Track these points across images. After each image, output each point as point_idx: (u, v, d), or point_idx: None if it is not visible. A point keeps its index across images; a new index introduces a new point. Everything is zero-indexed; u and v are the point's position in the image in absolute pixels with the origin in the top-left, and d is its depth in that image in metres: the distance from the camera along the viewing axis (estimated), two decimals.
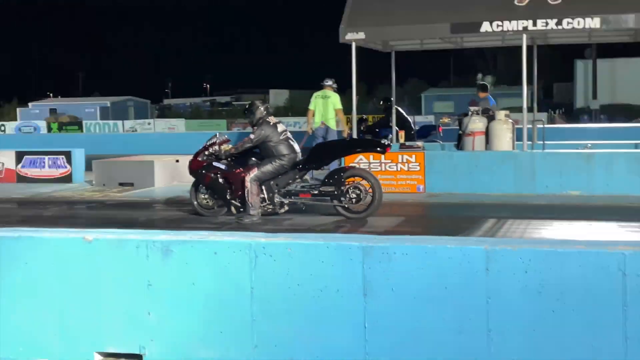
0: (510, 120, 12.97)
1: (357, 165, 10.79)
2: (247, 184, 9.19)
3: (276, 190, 9.52)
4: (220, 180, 9.69)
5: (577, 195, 11.16)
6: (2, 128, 45.23)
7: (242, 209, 9.53)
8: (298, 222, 9.42)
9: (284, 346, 4.04)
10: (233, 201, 9.62)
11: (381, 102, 17.60)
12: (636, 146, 14.81)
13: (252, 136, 9.48)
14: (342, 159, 11.56)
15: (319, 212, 9.79)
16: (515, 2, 11.86)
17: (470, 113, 13.13)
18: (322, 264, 3.96)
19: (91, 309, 4.36)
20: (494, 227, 8.93)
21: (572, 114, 46.28)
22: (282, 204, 9.60)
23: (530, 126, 14.22)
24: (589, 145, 14.07)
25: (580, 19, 11.45)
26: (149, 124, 46.36)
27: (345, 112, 14.49)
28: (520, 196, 11.20)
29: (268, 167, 9.32)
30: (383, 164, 12.09)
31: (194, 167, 10.00)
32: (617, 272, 3.58)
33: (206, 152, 9.86)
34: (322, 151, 9.96)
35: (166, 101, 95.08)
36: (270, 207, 9.54)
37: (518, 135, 13.17)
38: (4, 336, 4.52)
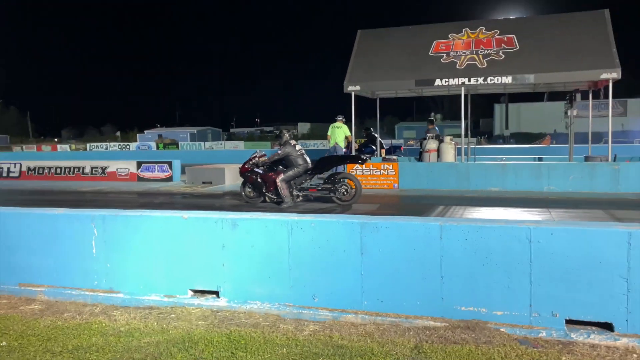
0: (453, 142, 12.91)
1: (346, 171, 10.86)
2: (279, 183, 9.40)
3: (294, 187, 9.69)
4: (259, 180, 9.85)
5: (496, 191, 11.09)
6: (128, 147, 45.48)
7: (274, 199, 9.68)
8: (309, 207, 9.52)
9: (310, 286, 4.06)
10: (267, 194, 9.80)
11: (364, 130, 17.84)
12: (534, 160, 14.70)
13: (279, 152, 9.63)
14: (345, 166, 11.72)
15: (321, 201, 9.92)
16: (457, 67, 11.83)
17: (427, 138, 13.10)
18: (334, 234, 3.98)
19: (186, 261, 4.41)
20: (443, 210, 8.88)
21: (492, 139, 45.87)
22: (298, 196, 9.72)
23: (466, 146, 14.14)
24: (504, 158, 14.02)
25: (499, 77, 11.41)
26: (221, 144, 46.44)
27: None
28: (459, 191, 11.14)
29: (290, 173, 9.50)
30: (371, 170, 12.08)
31: (242, 171, 10.17)
32: (525, 239, 3.57)
33: (250, 162, 10.03)
34: (324, 162, 9.92)
35: (232, 130, 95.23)
36: (291, 197, 9.75)
37: (458, 152, 13.11)
38: (131, 278, 4.58)
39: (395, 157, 13.61)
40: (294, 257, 4.08)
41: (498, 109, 53.80)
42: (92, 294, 4.58)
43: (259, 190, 10.04)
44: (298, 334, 3.66)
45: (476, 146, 18.46)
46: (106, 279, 4.65)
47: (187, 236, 4.38)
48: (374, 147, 17.12)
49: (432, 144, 12.84)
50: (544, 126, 46.12)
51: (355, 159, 10.20)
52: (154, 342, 3.54)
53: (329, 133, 14.08)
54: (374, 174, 12.07)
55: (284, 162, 9.70)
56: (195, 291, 4.44)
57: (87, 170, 16.18)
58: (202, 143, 46.32)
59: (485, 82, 11.56)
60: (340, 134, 13.84)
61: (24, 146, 54.90)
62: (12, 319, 4.08)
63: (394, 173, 12.01)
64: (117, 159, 12.27)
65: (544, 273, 3.54)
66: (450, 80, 11.73)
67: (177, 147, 44.89)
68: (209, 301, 4.29)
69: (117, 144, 50.75)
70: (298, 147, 9.73)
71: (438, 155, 12.76)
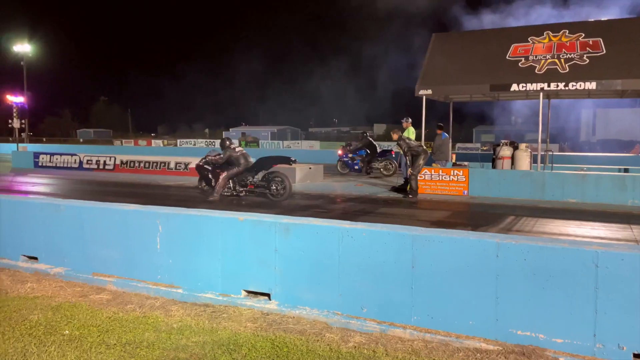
0: (529, 149, 12.12)
1: (279, 170, 11.07)
2: (220, 179, 10.43)
3: (237, 183, 10.59)
4: (209, 175, 10.70)
5: (574, 202, 10.25)
6: (213, 144, 47.27)
7: (207, 190, 10.78)
8: (250, 201, 10.59)
9: (359, 296, 3.91)
10: (215, 187, 10.61)
11: (360, 134, 17.46)
12: (619, 170, 13.48)
13: (222, 156, 10.48)
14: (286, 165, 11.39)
15: (259, 197, 10.63)
16: (536, 71, 11.08)
17: (500, 144, 12.41)
18: (385, 245, 3.79)
19: (241, 261, 4.40)
20: (513, 221, 8.34)
21: (578, 146, 42.75)
22: (241, 191, 10.62)
23: (543, 153, 13.24)
24: (585, 168, 12.96)
25: (582, 83, 10.53)
26: (298, 143, 47.08)
27: (417, 139, 14.05)
28: (533, 201, 10.43)
29: (233, 170, 10.44)
30: (440, 175, 11.62)
31: (196, 167, 11.08)
32: (591, 264, 3.19)
33: (204, 159, 10.80)
34: (262, 161, 10.60)
35: (310, 129, 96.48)
36: (234, 192, 10.64)
37: (534, 159, 12.31)
38: (190, 274, 4.65)
39: (466, 163, 13.02)
40: (344, 265, 3.93)
41: (584, 114, 50.24)
42: (155, 287, 4.70)
43: (208, 184, 10.89)
44: (342, 345, 3.51)
45: (556, 153, 17.23)
46: (168, 274, 4.76)
47: (242, 237, 4.37)
48: (368, 152, 16.63)
49: (505, 151, 12.13)
50: (635, 134, 42.42)
51: (286, 160, 10.65)
52: (201, 342, 3.54)
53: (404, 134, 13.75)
54: (443, 180, 11.60)
55: (230, 162, 10.61)
56: (249, 292, 4.43)
57: (172, 165, 16.95)
58: (280, 142, 47.20)
59: (567, 88, 10.73)
60: (405, 135, 13.45)
61: (123, 140, 58.85)
62: (80, 307, 4.27)
63: (464, 179, 11.48)
64: (200, 156, 12.71)
65: (612, 301, 3.14)
66: (528, 85, 11.02)
67: (258, 145, 46.09)
68: (260, 303, 4.25)
69: (204, 140, 52.97)
70: (238, 149, 10.71)
71: (512, 163, 12.04)
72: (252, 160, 10.80)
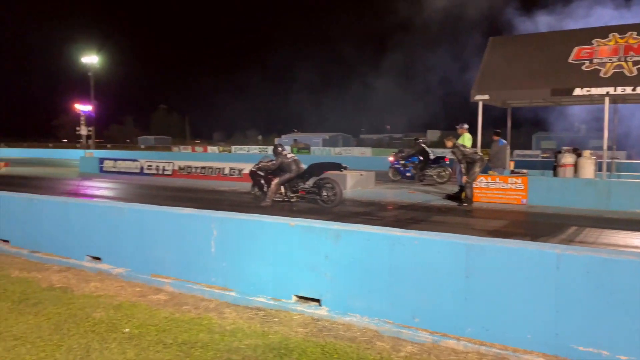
0: (593, 157, 11.55)
1: (330, 176, 11.00)
2: (272, 185, 10.59)
3: (288, 189, 10.71)
4: (262, 181, 10.92)
5: None
6: (266, 150, 48.11)
7: (259, 196, 10.98)
8: (299, 206, 10.70)
9: (410, 305, 3.85)
10: (267, 193, 10.79)
11: (413, 141, 17.20)
12: None
13: (274, 162, 10.70)
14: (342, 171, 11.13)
15: (310, 203, 10.65)
16: (601, 75, 10.56)
17: (562, 151, 11.89)
18: (437, 254, 3.72)
19: (292, 266, 4.44)
20: (575, 232, 7.96)
21: None
22: (292, 197, 10.71)
23: (609, 161, 12.58)
24: None
25: None
26: (349, 150, 47.09)
27: (473, 146, 13.72)
28: (597, 211, 9.92)
29: (284, 177, 10.56)
30: (497, 183, 11.27)
31: (250, 173, 11.32)
32: None
33: (257, 165, 11.04)
34: (312, 168, 10.69)
35: (362, 136, 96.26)
36: (286, 198, 10.76)
37: (599, 167, 11.71)
38: (243, 278, 4.74)
39: (525, 171, 12.56)
40: (395, 273, 3.89)
41: None
42: (209, 290, 4.82)
43: (261, 190, 11.06)
44: (393, 354, 3.47)
45: (623, 161, 16.33)
46: (222, 276, 4.88)
47: (293, 243, 4.41)
48: (420, 158, 16.17)
49: (568, 158, 11.62)
50: None
51: (337, 167, 10.76)
52: (252, 345, 3.60)
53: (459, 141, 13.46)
54: (500, 188, 11.25)
55: (281, 169, 10.76)
56: (299, 297, 4.46)
57: (227, 171, 17.40)
58: (331, 148, 47.40)
59: (635, 92, 10.16)
60: (460, 142, 13.14)
61: (181, 147, 60.98)
62: (139, 307, 4.45)
63: (523, 188, 11.08)
64: (253, 162, 12.99)
65: None
66: (593, 89, 10.51)
67: (309, 151, 46.47)
68: (311, 308, 4.28)
69: (258, 147, 54.01)
70: (290, 155, 10.84)
71: (575, 171, 11.51)
72: (304, 166, 10.90)
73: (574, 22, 15.79)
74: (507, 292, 3.49)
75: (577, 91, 10.68)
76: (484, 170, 11.28)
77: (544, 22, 17.78)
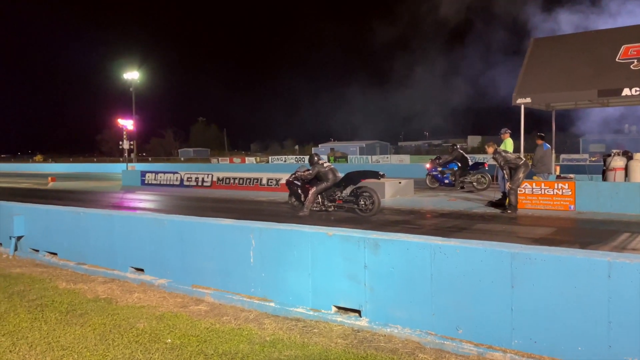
0: None
1: (368, 185, 11.02)
2: (309, 195, 10.66)
3: (326, 198, 10.77)
4: (299, 191, 11.02)
5: None
6: (303, 160, 48.46)
7: (297, 206, 11.08)
8: (337, 215, 10.78)
9: (453, 316, 3.77)
10: (304, 203, 10.85)
11: (450, 147, 16.88)
12: None
13: (310, 171, 10.80)
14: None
15: (348, 212, 10.73)
16: None
17: (612, 154, 11.42)
18: (481, 263, 3.63)
19: (330, 277, 4.43)
20: (627, 239, 7.62)
21: None
22: (329, 206, 10.77)
23: None
24: None
25: None
26: (387, 158, 46.76)
27: (516, 150, 13.36)
28: None
29: (322, 186, 10.63)
30: (542, 189, 10.93)
31: (286, 183, 11.47)
32: None
33: (294, 175, 11.16)
34: (349, 177, 10.62)
35: (400, 143, 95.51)
36: (323, 207, 10.83)
37: None
38: (282, 289, 4.76)
39: (572, 176, 12.14)
40: (437, 283, 3.82)
41: None
42: (249, 301, 4.87)
43: (298, 200, 11.14)
44: None
45: None
46: (261, 287, 4.92)
47: (331, 253, 4.40)
48: (459, 165, 15.73)
49: (618, 161, 11.17)
50: None
51: (374, 175, 10.61)
52: (292, 356, 3.60)
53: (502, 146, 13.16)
54: (546, 194, 10.90)
55: (318, 178, 10.83)
56: (339, 308, 4.44)
57: (264, 181, 17.58)
58: (369, 156, 47.20)
59: None
60: (502, 148, 12.83)
61: (219, 158, 62.22)
62: (181, 317, 4.54)
63: (570, 193, 10.71)
64: (290, 172, 13.12)
65: None
66: None
67: (346, 160, 46.46)
68: (350, 319, 4.25)
69: (294, 156, 54.41)
70: (326, 164, 10.93)
71: (625, 174, 11.04)
72: (340, 175, 10.90)
73: (612, 19, 15.26)
74: (556, 303, 3.37)
75: (626, 91, 10.28)
76: (528, 176, 10.97)
77: (582, 20, 17.25)
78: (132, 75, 44.94)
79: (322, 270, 4.46)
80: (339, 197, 10.76)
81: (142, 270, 6.05)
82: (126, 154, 32.21)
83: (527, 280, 3.47)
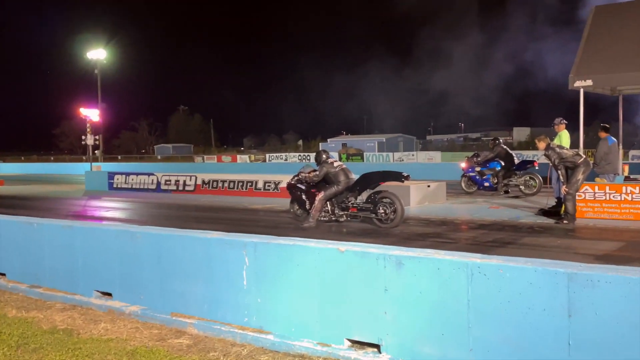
0: None
1: (388, 189, 10.90)
2: (316, 201, 10.65)
3: (336, 206, 10.81)
4: (303, 196, 11.07)
5: None
6: (308, 157, 48.59)
7: (309, 216, 10.91)
8: (350, 227, 10.90)
9: (496, 351, 3.74)
10: (310, 211, 10.86)
11: (491, 142, 16.94)
12: None
13: (317, 172, 10.86)
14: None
15: (364, 222, 10.88)
16: None
17: None
18: (530, 285, 3.61)
19: (342, 303, 4.43)
20: None
21: None
22: (341, 215, 10.84)
23: None
24: None
25: None
26: (412, 155, 46.75)
27: (574, 145, 13.29)
28: None
29: (331, 190, 10.68)
30: (607, 194, 10.87)
31: (288, 187, 11.61)
32: None
33: (297, 177, 11.31)
34: (365, 179, 10.67)
35: (428, 137, 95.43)
36: (333, 217, 10.87)
37: None
38: (282, 318, 4.76)
39: None
40: (475, 311, 3.80)
41: None
42: (241, 332, 4.87)
43: (302, 208, 11.24)
44: None
45: None
46: (257, 316, 4.92)
47: (343, 273, 4.40)
48: (502, 164, 15.68)
49: None
50: None
51: (397, 176, 10.57)
52: None
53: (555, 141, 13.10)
54: (612, 200, 10.84)
55: (326, 180, 10.90)
56: (353, 342, 4.43)
57: (260, 185, 17.65)
58: (390, 154, 47.17)
59: None
60: (556, 142, 12.76)
61: (205, 156, 62.51)
62: (157, 353, 4.55)
63: None
64: (292, 173, 13.09)
65: None
66: None
67: (362, 158, 46.48)
68: (368, 356, 4.24)
69: (297, 154, 54.52)
70: (337, 163, 11.01)
71: None
72: (355, 176, 10.89)
73: None
74: (625, 335, 3.34)
75: None
76: (590, 177, 10.90)
77: None
78: (98, 54, 45.34)
79: (331, 294, 4.46)
80: (352, 204, 10.74)
81: (109, 294, 6.07)
82: (90, 152, 32.42)
83: (588, 308, 3.44)
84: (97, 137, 33.63)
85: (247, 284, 4.96)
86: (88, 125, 30.49)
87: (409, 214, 12.15)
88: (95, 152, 39.33)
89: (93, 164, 30.38)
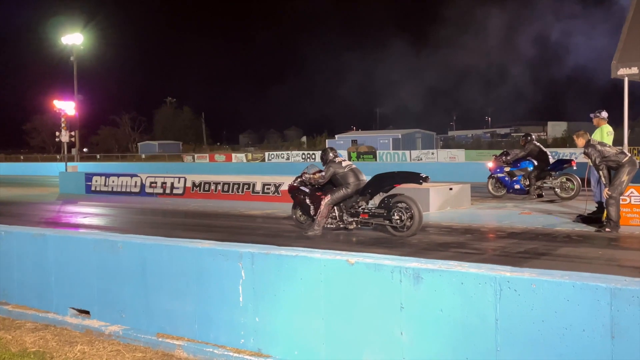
0: None
1: (404, 193, 10.86)
2: (322, 206, 10.65)
3: (345, 211, 10.85)
4: (307, 201, 11.07)
5: None
6: (313, 156, 48.65)
7: (314, 223, 10.90)
8: (361, 235, 11.00)
9: None
10: (315, 217, 10.87)
11: (522, 138, 17.06)
12: None
13: (323, 173, 10.89)
14: None
15: (376, 230, 10.97)
16: None
17: None
18: (567, 303, 3.60)
19: (351, 321, 4.43)
20: None
21: None
22: (350, 222, 10.87)
23: None
24: None
25: None
26: (432, 153, 46.72)
27: (618, 142, 13.24)
28: None
29: (339, 193, 10.70)
30: None
31: (290, 189, 11.67)
32: None
33: (300, 178, 11.33)
34: (378, 181, 10.70)
35: (450, 133, 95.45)
36: (341, 224, 10.90)
37: None
38: (283, 339, 4.77)
39: None
40: (504, 331, 3.79)
41: None
42: (236, 356, 4.88)
43: (306, 214, 11.27)
44: None
45: None
46: (254, 337, 4.92)
47: (353, 288, 4.40)
48: (535, 163, 15.63)
49: None
50: None
51: (414, 178, 10.55)
52: None
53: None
54: None
55: (333, 181, 10.95)
56: None
57: (259, 187, 17.65)
58: (406, 152, 47.16)
59: None
60: (596, 139, 12.69)
61: (195, 155, 62.66)
62: None
63: None
64: (295, 173, 13.07)
65: None
66: None
67: (375, 157, 46.48)
68: None
69: (301, 152, 54.57)
70: (346, 163, 11.05)
71: None
72: (366, 178, 10.88)
73: None
74: None
75: None
76: (636, 179, 10.87)
77: None
78: (74, 39, 45.49)
79: (340, 312, 4.46)
80: (363, 209, 10.74)
81: (87, 312, 6.08)
82: (65, 150, 32.54)
83: (635, 328, 3.43)
84: (72, 133, 33.71)
85: (244, 300, 4.96)
86: (63, 119, 30.58)
87: (428, 221, 12.14)
88: (71, 150, 39.48)
89: (68, 164, 30.48)
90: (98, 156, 76.73)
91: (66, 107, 30.80)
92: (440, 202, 14.20)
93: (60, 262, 6.31)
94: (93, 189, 21.86)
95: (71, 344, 5.49)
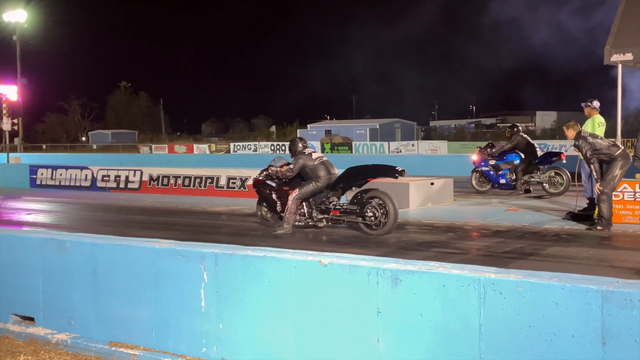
0: None
1: (378, 188, 10.95)
2: (289, 202, 10.66)
3: (314, 207, 10.85)
4: (273, 196, 11.17)
5: None
6: (283, 148, 48.46)
7: (282, 220, 10.96)
8: (333, 233, 11.01)
9: None
10: (282, 214, 10.94)
11: (508, 128, 17.25)
12: None
13: (291, 166, 10.93)
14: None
15: (349, 228, 11.04)
16: None
17: None
18: (556, 306, 3.65)
19: (324, 328, 4.44)
20: None
21: None
22: (320, 219, 10.88)
23: None
24: None
25: None
26: (412, 145, 46.84)
27: (611, 134, 13.44)
28: None
29: (308, 187, 10.69)
30: (638, 193, 11.01)
31: (254, 183, 11.75)
32: None
33: (266, 172, 11.38)
34: (349, 174, 10.68)
35: (432, 123, 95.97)
36: (310, 221, 10.93)
37: None
38: (249, 347, 4.77)
39: None
40: (488, 337, 3.83)
41: None
42: None
43: (273, 210, 11.38)
44: None
45: None
46: (218, 345, 4.92)
47: (326, 291, 4.42)
48: (521, 156, 15.87)
49: None
50: None
51: (390, 172, 10.55)
52: None
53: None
54: None
55: (301, 175, 10.98)
56: None
57: (223, 181, 17.61)
58: (384, 144, 47.27)
59: None
60: (587, 130, 12.86)
61: (153, 146, 62.02)
62: None
63: None
64: (262, 166, 13.03)
65: None
66: None
67: (351, 149, 46.55)
68: None
69: (270, 143, 54.42)
70: (316, 155, 11.10)
71: None
72: (337, 172, 10.88)
73: None
74: None
75: None
76: (629, 173, 11.03)
77: None
78: (17, 15, 44.78)
79: (311, 318, 4.48)
80: (334, 205, 10.77)
81: (31, 319, 6.01)
82: (7, 139, 32.07)
83: (627, 333, 3.48)
84: (15, 121, 33.23)
85: (206, 305, 4.95)
86: (4, 105, 30.12)
87: (408, 218, 12.21)
88: (14, 140, 38.90)
89: (10, 154, 30.06)
90: (44, 146, 75.60)
91: (8, 91, 30.36)
92: (421, 198, 14.26)
93: (1, 264, 6.23)
94: (38, 182, 21.60)
95: (13, 353, 5.43)
